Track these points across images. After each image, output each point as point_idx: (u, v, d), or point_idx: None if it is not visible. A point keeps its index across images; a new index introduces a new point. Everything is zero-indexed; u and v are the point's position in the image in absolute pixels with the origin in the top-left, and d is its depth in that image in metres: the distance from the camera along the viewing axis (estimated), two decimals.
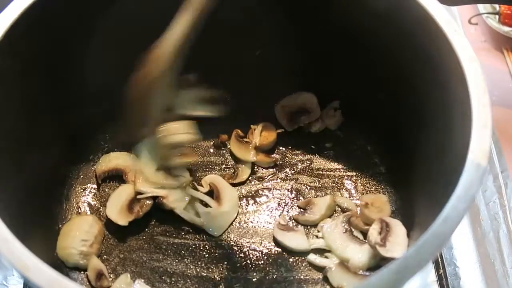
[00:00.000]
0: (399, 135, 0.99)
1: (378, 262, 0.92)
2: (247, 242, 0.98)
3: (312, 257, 0.96)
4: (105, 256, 0.96)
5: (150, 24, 1.00)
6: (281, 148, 1.11)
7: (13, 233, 0.67)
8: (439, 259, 1.01)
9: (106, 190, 1.05)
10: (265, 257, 0.97)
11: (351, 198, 1.04)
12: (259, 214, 1.02)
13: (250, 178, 1.07)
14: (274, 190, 1.05)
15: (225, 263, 0.96)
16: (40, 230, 0.92)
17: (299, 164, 1.09)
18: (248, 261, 0.96)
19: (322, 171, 1.07)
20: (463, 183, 0.69)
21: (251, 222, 1.01)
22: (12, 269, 0.98)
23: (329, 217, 1.01)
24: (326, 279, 0.94)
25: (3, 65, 0.82)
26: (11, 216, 0.71)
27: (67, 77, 0.96)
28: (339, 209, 1.02)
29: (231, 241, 0.99)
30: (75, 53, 0.95)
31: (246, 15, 1.01)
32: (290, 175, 1.07)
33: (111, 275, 0.94)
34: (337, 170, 1.07)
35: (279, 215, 1.02)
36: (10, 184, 0.82)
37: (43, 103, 0.93)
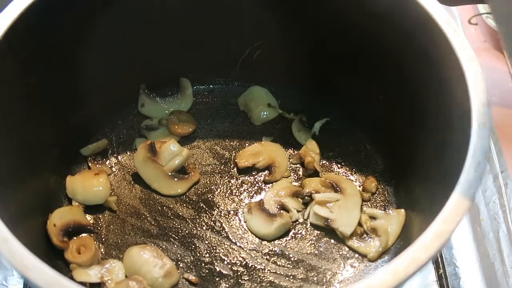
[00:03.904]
0: (399, 135, 0.99)
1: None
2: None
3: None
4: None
5: (148, 24, 1.01)
6: None
7: (12, 232, 0.67)
8: (439, 259, 1.02)
9: None
10: None
11: None
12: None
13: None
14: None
15: None
16: (39, 230, 0.92)
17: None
18: None
19: (322, 171, 1.07)
20: (463, 183, 0.69)
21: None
22: (12, 269, 0.98)
23: None
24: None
25: (3, 65, 0.82)
26: (10, 215, 0.72)
27: (66, 77, 0.96)
28: None
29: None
30: (74, 53, 0.95)
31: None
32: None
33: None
34: (337, 170, 1.07)
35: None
36: (10, 183, 0.83)
37: (42, 102, 0.93)
